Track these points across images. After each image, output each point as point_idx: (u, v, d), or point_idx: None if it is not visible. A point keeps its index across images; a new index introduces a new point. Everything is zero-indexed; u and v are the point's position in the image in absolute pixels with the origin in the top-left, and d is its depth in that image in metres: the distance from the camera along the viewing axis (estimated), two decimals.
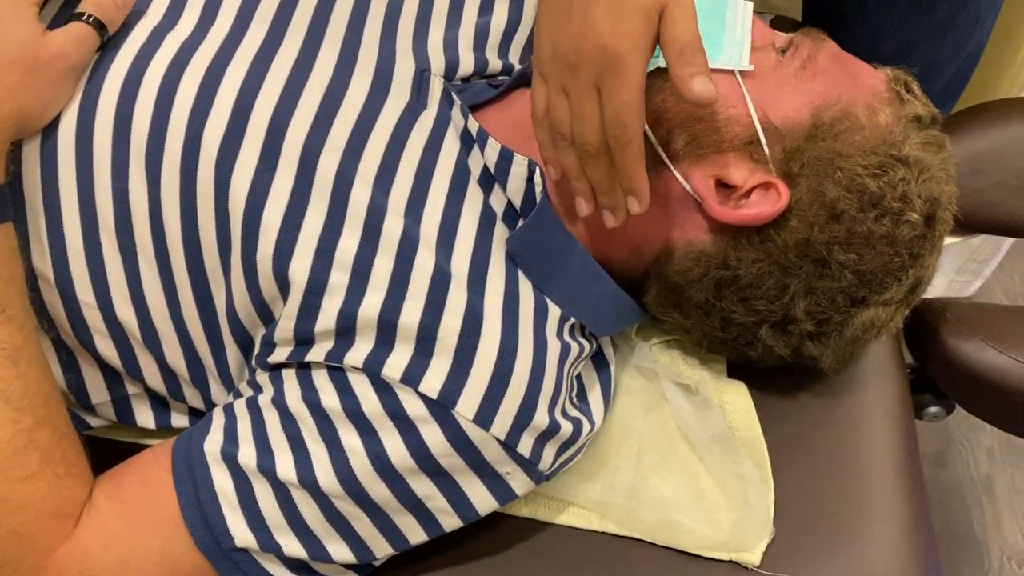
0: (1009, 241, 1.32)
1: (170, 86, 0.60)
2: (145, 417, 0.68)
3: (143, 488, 0.60)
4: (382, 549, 0.61)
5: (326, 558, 0.60)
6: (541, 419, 0.60)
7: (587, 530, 0.69)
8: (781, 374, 0.73)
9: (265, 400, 0.60)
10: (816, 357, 0.69)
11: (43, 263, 0.61)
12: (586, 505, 0.69)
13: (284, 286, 0.59)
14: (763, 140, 0.63)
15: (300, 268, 0.58)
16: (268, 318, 0.61)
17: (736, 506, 0.67)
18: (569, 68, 0.58)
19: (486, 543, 0.68)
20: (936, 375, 0.79)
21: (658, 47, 0.57)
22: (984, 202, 0.85)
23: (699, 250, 0.65)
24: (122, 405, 0.68)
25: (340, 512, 0.59)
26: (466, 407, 0.58)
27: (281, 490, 0.58)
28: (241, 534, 0.58)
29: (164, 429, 0.69)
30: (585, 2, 0.57)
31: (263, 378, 0.61)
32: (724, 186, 0.64)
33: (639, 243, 0.68)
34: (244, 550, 0.58)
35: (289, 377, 0.60)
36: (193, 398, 0.67)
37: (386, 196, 0.61)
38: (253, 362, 0.62)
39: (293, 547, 0.59)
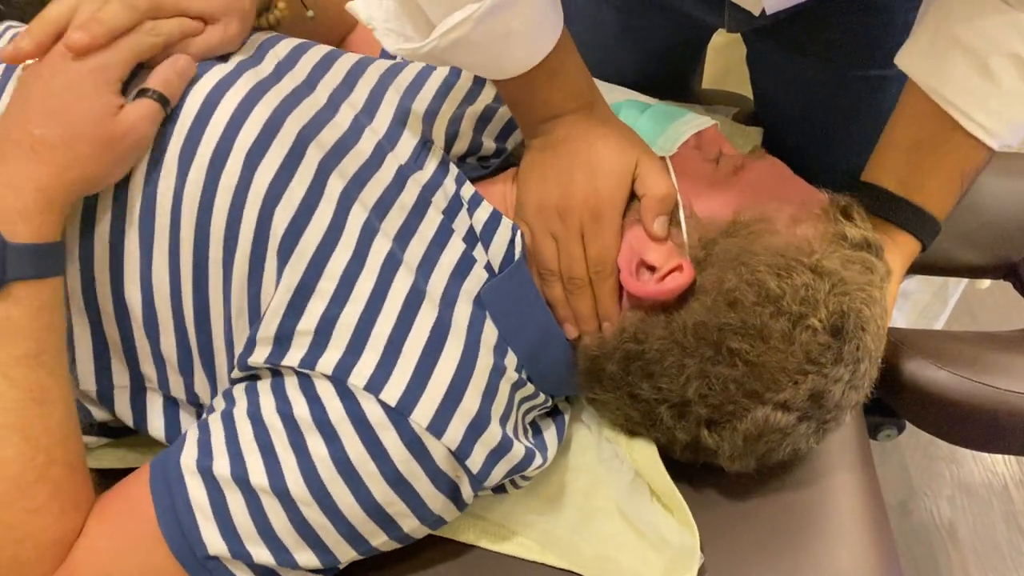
0: (956, 296, 1.39)
1: (212, 101, 0.67)
2: (156, 418, 0.72)
3: (125, 505, 0.63)
4: (346, 554, 0.65)
5: (293, 564, 0.63)
6: (494, 432, 0.64)
7: (528, 560, 0.71)
8: None
9: (240, 412, 0.63)
10: (713, 450, 0.69)
11: (133, 290, 0.66)
12: (530, 535, 0.72)
13: (277, 285, 0.64)
14: (683, 225, 0.68)
15: (295, 270, 0.63)
16: (255, 316, 0.65)
17: (659, 546, 0.70)
18: (559, 218, 0.70)
19: (427, 566, 0.71)
20: (884, 393, 0.84)
21: None
22: None
23: (619, 323, 0.70)
24: (137, 396, 0.71)
25: (307, 520, 0.62)
26: (421, 416, 0.61)
27: (253, 498, 0.61)
28: (214, 542, 0.61)
29: (171, 430, 0.72)
30: (567, 168, 0.70)
31: (239, 391, 0.65)
32: (648, 267, 0.69)
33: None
34: (216, 558, 0.62)
35: (264, 391, 0.63)
36: (176, 388, 0.70)
37: (380, 220, 0.67)
38: (234, 364, 0.66)
39: (262, 555, 0.62)
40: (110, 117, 0.62)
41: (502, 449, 0.65)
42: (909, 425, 0.93)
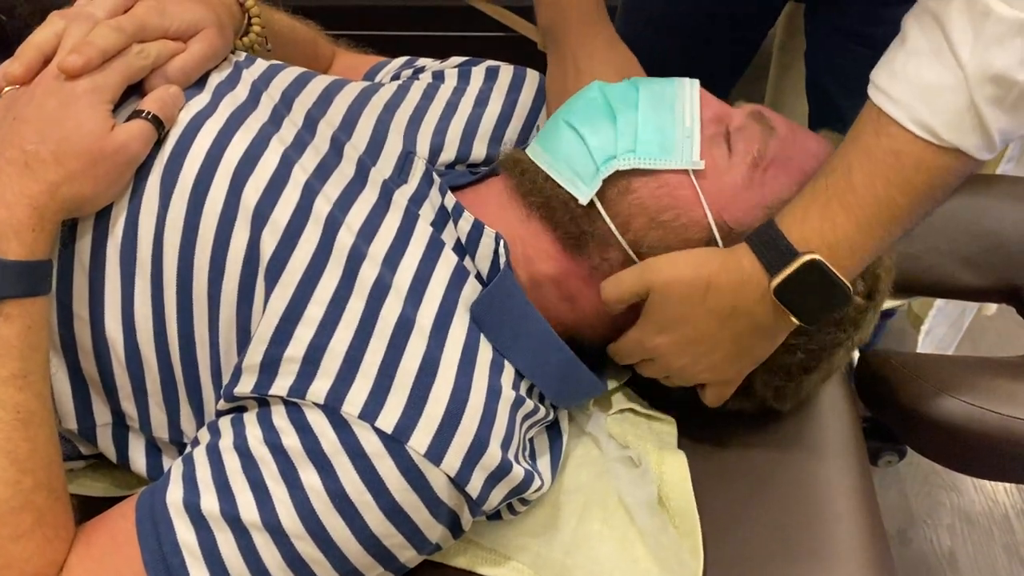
0: (964, 325, 1.38)
1: (216, 152, 0.66)
2: (139, 456, 0.70)
3: (111, 544, 0.61)
4: None
5: None
6: (494, 454, 0.62)
7: None
8: (738, 429, 0.78)
9: (226, 444, 0.62)
10: (777, 409, 0.77)
11: (114, 325, 0.65)
12: (523, 559, 0.70)
13: (265, 310, 0.63)
14: (719, 240, 0.68)
15: (282, 295, 0.63)
16: (244, 344, 0.64)
17: (664, 570, 0.69)
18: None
19: None
20: (885, 418, 0.84)
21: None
22: (920, 266, 0.91)
23: None
24: (120, 433, 0.70)
25: (301, 556, 0.60)
26: (419, 442, 0.60)
27: (244, 536, 0.60)
28: None
29: (154, 471, 0.71)
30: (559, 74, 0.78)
31: (224, 423, 0.63)
32: None
33: (609, 325, 0.72)
34: None
35: (250, 421, 0.62)
36: (159, 427, 0.68)
37: (368, 244, 0.66)
38: (221, 395, 0.64)
39: None
40: (103, 134, 0.62)
41: (501, 472, 0.63)
42: (909, 452, 0.92)
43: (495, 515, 0.70)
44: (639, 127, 0.69)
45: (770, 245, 0.63)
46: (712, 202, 0.68)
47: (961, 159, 0.59)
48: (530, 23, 1.80)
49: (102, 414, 0.69)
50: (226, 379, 0.65)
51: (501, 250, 0.69)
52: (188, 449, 0.64)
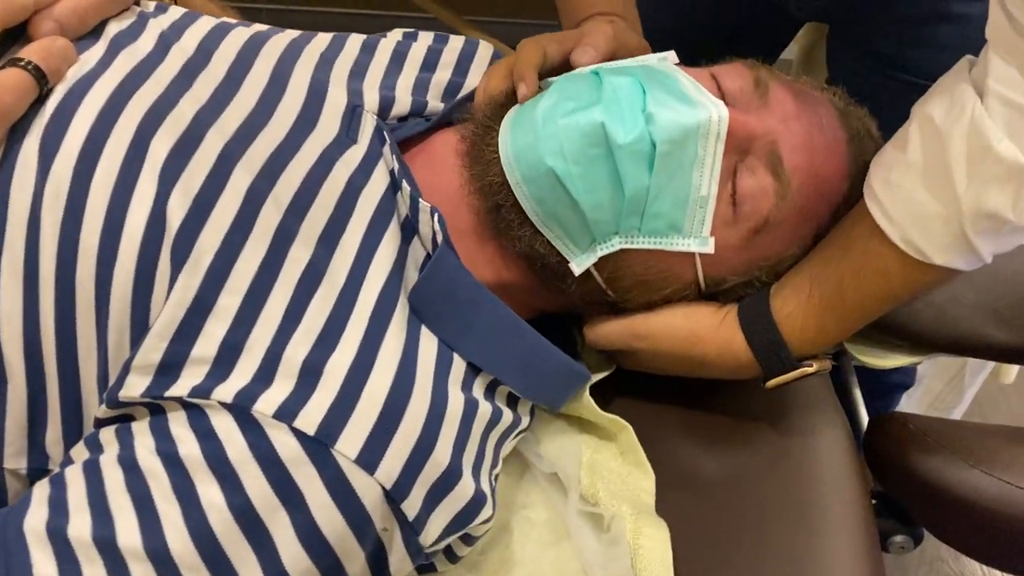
0: (974, 388, 1.30)
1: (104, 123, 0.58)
2: None
3: None
4: None
5: None
6: (439, 460, 0.55)
7: None
8: (728, 503, 0.70)
9: (108, 458, 0.53)
10: None
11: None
12: None
13: (168, 296, 0.54)
14: (702, 286, 0.67)
15: (189, 282, 0.55)
16: (139, 338, 0.55)
17: None
18: None
19: None
20: (900, 494, 0.73)
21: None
22: (942, 320, 0.81)
23: None
24: None
25: None
26: (348, 445, 0.52)
27: (118, 566, 0.50)
28: None
29: None
30: None
31: (107, 435, 0.55)
32: None
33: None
34: None
35: (140, 431, 0.54)
36: (16, 454, 0.58)
37: (299, 222, 0.59)
38: (102, 403, 0.56)
39: None
40: None
41: (446, 483, 0.56)
42: None
43: (429, 567, 0.62)
44: (648, 202, 0.62)
45: (772, 352, 0.66)
46: (704, 263, 0.65)
47: (949, 272, 0.61)
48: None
49: None
50: (112, 382, 0.56)
51: (437, 227, 0.62)
52: (58, 470, 0.54)
